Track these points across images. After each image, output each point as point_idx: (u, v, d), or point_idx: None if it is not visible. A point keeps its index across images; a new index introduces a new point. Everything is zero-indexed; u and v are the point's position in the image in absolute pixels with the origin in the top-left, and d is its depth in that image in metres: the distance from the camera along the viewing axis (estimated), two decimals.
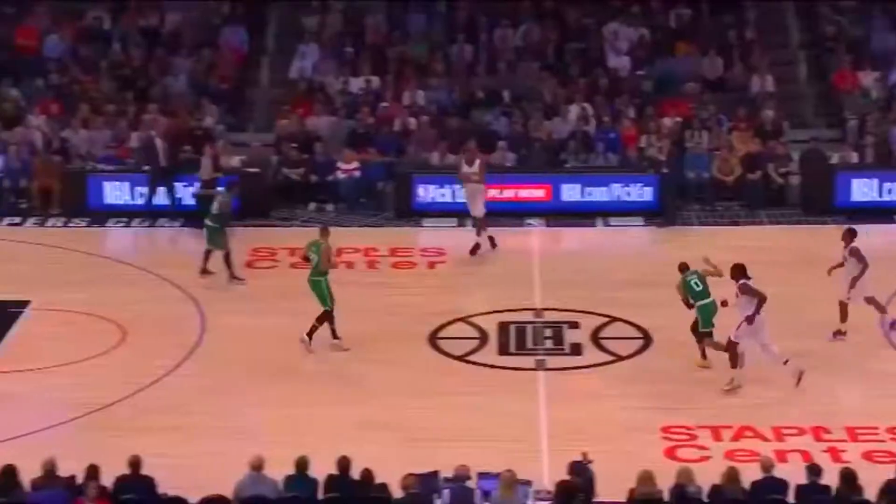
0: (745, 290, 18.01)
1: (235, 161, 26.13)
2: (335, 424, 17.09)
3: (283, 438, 16.28)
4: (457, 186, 24.46)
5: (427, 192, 25.52)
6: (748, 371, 18.24)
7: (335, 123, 27.25)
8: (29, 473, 13.94)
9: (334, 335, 19.39)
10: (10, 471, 13.91)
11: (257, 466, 14.28)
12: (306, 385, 18.45)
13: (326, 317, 19.39)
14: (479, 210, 23.20)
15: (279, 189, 26.17)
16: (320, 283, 19.45)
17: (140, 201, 25.11)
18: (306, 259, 19.75)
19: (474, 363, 19.32)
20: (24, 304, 20.76)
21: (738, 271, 18.13)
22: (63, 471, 14.04)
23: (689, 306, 18.64)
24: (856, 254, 19.47)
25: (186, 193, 25.13)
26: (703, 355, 18.79)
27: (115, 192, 25.08)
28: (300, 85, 28.41)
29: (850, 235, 19.68)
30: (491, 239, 23.13)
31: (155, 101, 27.15)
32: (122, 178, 25.14)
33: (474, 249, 23.08)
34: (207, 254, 21.86)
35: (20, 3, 29.29)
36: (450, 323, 20.38)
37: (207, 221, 21.96)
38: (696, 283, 18.55)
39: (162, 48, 28.68)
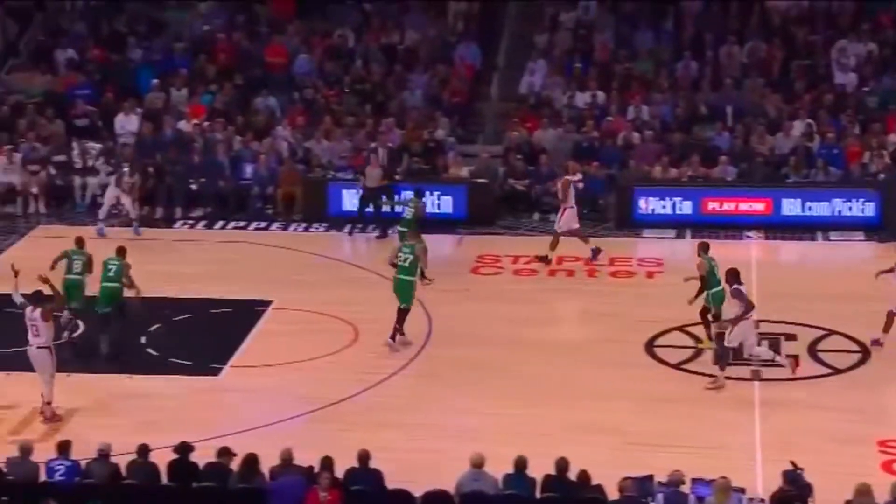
0: (735, 295, 18.04)
1: (464, 171, 26.34)
2: (551, 426, 17.00)
3: (502, 438, 16.28)
4: (677, 199, 24.27)
5: (647, 204, 25.27)
6: None
7: (560, 136, 27.21)
8: (268, 462, 14.23)
9: (396, 333, 19.36)
10: (252, 459, 14.25)
11: (478, 464, 14.31)
12: (525, 387, 18.41)
13: (402, 314, 19.40)
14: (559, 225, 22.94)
15: (505, 199, 26.27)
16: (411, 283, 19.43)
17: (371, 209, 25.51)
18: (394, 265, 19.71)
19: (690, 371, 19.00)
20: (266, 303, 21.30)
21: (732, 276, 18.27)
22: (298, 461, 14.32)
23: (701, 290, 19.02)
24: None
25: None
26: (709, 336, 19.15)
27: (353, 200, 25.49)
28: (528, 99, 28.49)
29: None
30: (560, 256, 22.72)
31: (392, 115, 27.59)
32: (358, 186, 25.51)
33: (542, 258, 22.78)
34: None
35: (273, 24, 30.10)
36: (667, 331, 20.09)
37: (399, 227, 22.06)
38: (716, 269, 18.94)
39: (400, 64, 29.12)
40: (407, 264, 19.58)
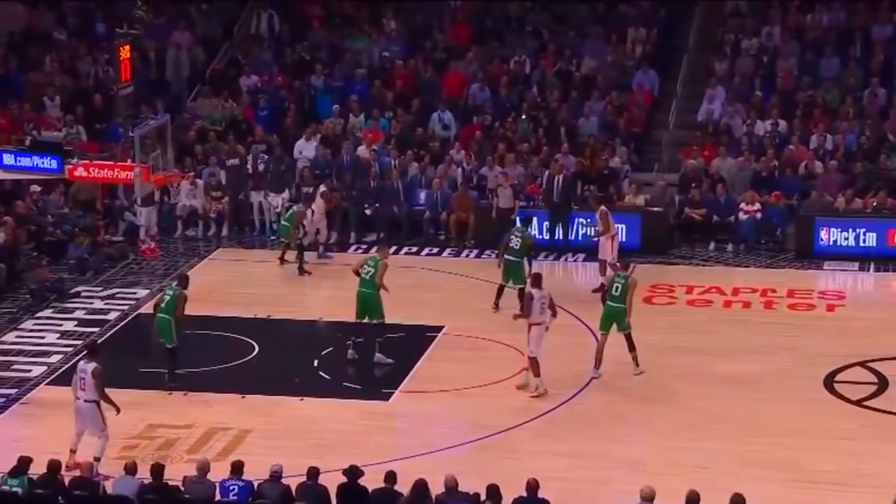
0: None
1: (640, 200, 26.17)
2: (726, 460, 16.74)
3: (674, 471, 16.10)
4: (861, 230, 23.73)
5: (829, 236, 24.73)
6: None
7: (739, 165, 26.84)
8: (436, 489, 14.29)
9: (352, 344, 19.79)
10: (423, 486, 14.30)
11: (648, 497, 14.09)
12: (699, 420, 18.16)
13: (382, 328, 19.84)
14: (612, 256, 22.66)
15: (681, 227, 26.02)
16: (372, 295, 19.83)
17: (545, 236, 25.57)
18: (358, 273, 19.88)
19: (873, 409, 18.50)
20: (438, 328, 21.50)
21: (536, 281, 18.93)
22: (464, 488, 14.34)
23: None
24: None
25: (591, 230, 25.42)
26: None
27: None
28: (706, 127, 28.19)
29: None
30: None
31: (566, 142, 27.59)
32: (534, 213, 25.62)
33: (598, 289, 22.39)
34: (500, 289, 21.95)
35: (450, 51, 30.40)
36: (848, 367, 19.61)
37: (508, 256, 21.96)
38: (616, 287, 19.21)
39: (576, 91, 29.11)
40: (368, 277, 19.85)
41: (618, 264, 21.52)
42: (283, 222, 24.49)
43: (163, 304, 18.85)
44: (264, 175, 26.94)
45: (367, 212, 26.58)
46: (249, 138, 28.33)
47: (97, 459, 16.22)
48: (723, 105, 28.43)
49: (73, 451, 16.60)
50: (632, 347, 19.47)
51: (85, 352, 17.17)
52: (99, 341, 18.57)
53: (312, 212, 24.74)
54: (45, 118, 28.56)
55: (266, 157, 27.19)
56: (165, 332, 18.78)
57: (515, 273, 21.65)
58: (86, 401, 16.71)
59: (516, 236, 21.96)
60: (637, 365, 19.52)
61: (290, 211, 24.45)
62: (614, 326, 19.43)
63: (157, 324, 18.90)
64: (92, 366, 16.75)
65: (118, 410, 16.91)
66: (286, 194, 26.63)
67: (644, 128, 28.67)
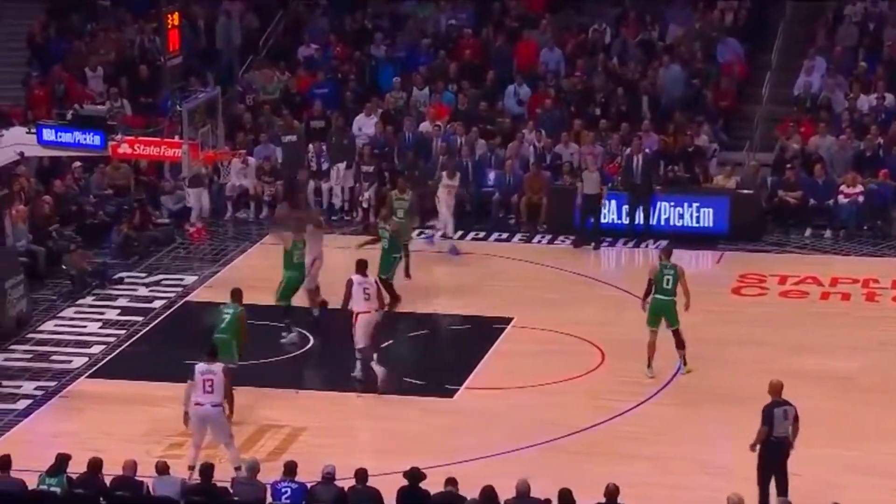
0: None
1: (731, 182, 26.02)
2: (823, 467, 16.62)
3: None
4: None
5: None
6: None
7: (840, 143, 26.61)
8: (504, 493, 14.32)
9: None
10: (490, 492, 14.29)
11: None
12: None
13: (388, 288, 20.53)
14: None
15: (774, 212, 25.86)
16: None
17: (625, 221, 25.54)
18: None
19: None
20: (507, 320, 21.52)
21: (361, 267, 19.19)
22: (535, 493, 14.38)
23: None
24: None
25: (674, 213, 25.33)
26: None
27: (603, 211, 25.47)
28: (804, 102, 27.97)
29: None
30: None
31: (648, 117, 27.50)
32: (609, 196, 25.52)
33: None
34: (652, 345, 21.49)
35: (523, 19, 30.37)
36: None
37: (659, 296, 20.95)
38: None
39: (657, 61, 28.99)
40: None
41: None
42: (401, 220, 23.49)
43: (222, 325, 18.71)
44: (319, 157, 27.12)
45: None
46: (305, 113, 28.50)
47: (238, 469, 15.92)
48: (822, 77, 28.19)
49: (191, 468, 16.15)
50: (680, 345, 19.41)
51: (205, 353, 16.93)
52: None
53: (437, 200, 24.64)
54: (87, 90, 28.95)
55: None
56: (225, 352, 18.57)
57: (670, 313, 19.48)
58: (213, 405, 16.48)
59: (668, 273, 19.45)
60: (685, 363, 19.45)
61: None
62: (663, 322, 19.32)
63: (216, 344, 18.62)
64: (219, 365, 16.63)
65: (231, 416, 17.02)
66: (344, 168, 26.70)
67: (734, 102, 28.49)
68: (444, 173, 24.84)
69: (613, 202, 25.61)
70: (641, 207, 25.32)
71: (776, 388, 15.76)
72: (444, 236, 24.69)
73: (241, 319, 18.67)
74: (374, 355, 19.02)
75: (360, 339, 19.00)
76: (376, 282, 19.58)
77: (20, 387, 19.35)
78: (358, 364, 19.14)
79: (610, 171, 26.24)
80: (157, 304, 22.57)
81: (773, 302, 22.34)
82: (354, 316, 18.98)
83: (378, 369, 19.01)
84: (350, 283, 19.13)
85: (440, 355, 20.58)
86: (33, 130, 20.84)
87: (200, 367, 16.63)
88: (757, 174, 26.26)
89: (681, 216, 25.39)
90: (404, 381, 19.43)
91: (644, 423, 18.19)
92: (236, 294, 19.04)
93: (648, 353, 19.42)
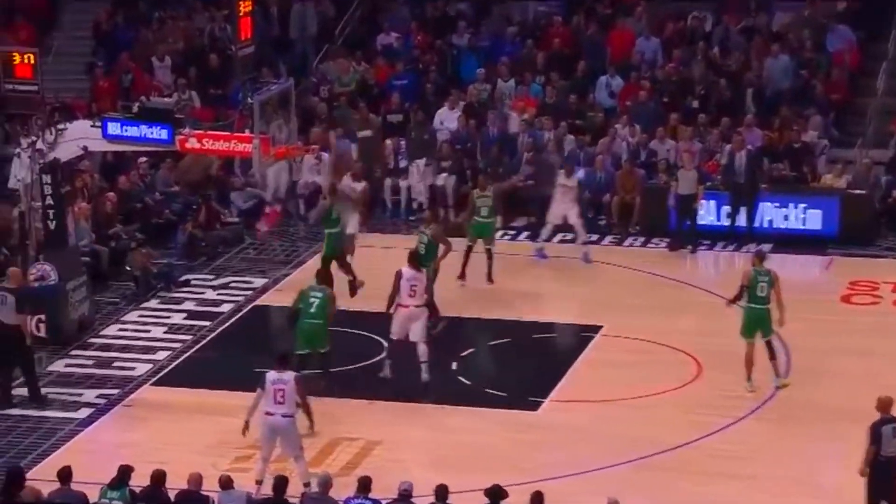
0: None
1: (841, 181, 25.85)
2: None
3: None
4: None
5: None
6: None
7: None
8: None
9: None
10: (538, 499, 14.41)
11: None
12: None
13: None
14: None
15: (888, 214, 25.66)
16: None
17: (725, 223, 25.48)
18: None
19: None
20: (596, 328, 21.58)
21: (413, 260, 19.60)
22: None
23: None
24: None
25: (779, 215, 25.23)
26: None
27: (700, 212, 25.44)
28: None
29: None
30: None
31: (750, 111, 27.39)
32: (707, 196, 25.49)
33: None
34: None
35: (617, 6, 30.33)
36: None
37: (753, 305, 20.22)
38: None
39: (762, 50, 28.82)
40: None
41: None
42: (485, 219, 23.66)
43: (312, 310, 19.17)
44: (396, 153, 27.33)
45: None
46: (383, 106, 28.68)
47: (307, 486, 16.18)
48: None
49: (259, 483, 16.43)
50: (773, 355, 19.36)
51: (276, 360, 17.08)
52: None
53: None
54: (154, 81, 29.33)
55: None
56: (319, 338, 19.21)
57: (764, 323, 19.44)
58: (284, 416, 16.64)
59: (762, 279, 19.45)
60: (778, 376, 19.41)
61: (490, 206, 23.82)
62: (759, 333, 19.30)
63: (306, 332, 19.23)
64: (290, 374, 16.78)
65: (313, 429, 17.21)
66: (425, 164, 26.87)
67: (846, 95, 28.30)
68: (561, 172, 24.78)
69: (712, 202, 25.55)
70: (744, 208, 25.23)
71: (886, 405, 15.69)
72: (581, 242, 24.63)
73: (331, 301, 19.26)
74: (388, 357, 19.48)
75: (396, 331, 19.45)
76: (426, 277, 19.87)
77: (81, 395, 19.69)
78: (387, 365, 19.64)
79: (708, 170, 26.17)
80: (225, 307, 22.85)
81: (886, 311, 22.18)
82: (395, 307, 19.39)
83: (386, 370, 19.54)
84: (399, 276, 19.47)
85: (524, 365, 20.62)
86: (98, 124, 21.19)
87: (271, 375, 16.77)
88: (870, 173, 26.06)
89: (786, 218, 25.29)
90: (485, 392, 19.53)
91: (743, 441, 18.15)
92: (322, 276, 19.46)
93: (747, 365, 19.37)
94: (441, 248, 21.56)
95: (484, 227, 23.31)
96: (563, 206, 24.53)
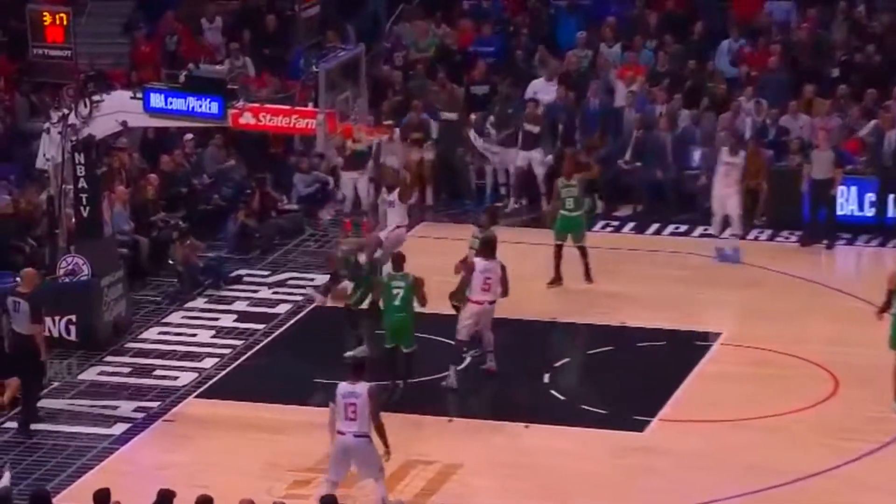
0: None
1: None
2: None
3: None
4: None
5: None
6: None
7: None
8: None
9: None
10: None
11: None
12: None
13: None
14: None
15: None
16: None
17: (870, 213, 25.34)
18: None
19: None
20: (713, 336, 21.57)
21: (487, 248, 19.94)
22: None
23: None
24: None
25: None
26: None
27: (839, 200, 25.34)
28: None
29: None
30: None
31: None
32: (848, 181, 25.38)
33: None
34: None
35: None
36: None
37: None
38: None
39: None
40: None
41: None
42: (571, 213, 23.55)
43: (396, 302, 19.43)
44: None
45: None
46: (465, 77, 28.67)
47: None
48: None
49: None
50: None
51: (351, 371, 16.86)
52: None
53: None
54: (203, 45, 29.52)
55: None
56: (404, 334, 19.45)
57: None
58: (356, 435, 16.48)
59: None
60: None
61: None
62: None
63: (392, 327, 19.47)
64: (363, 385, 16.48)
65: (388, 452, 16.75)
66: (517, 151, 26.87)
67: None
68: (724, 149, 24.71)
69: (853, 189, 25.41)
70: (893, 196, 25.01)
71: None
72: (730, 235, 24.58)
73: (418, 288, 19.55)
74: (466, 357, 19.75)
75: (463, 330, 19.71)
76: (503, 267, 19.97)
77: (117, 407, 19.83)
78: (452, 372, 19.83)
79: (848, 150, 26.00)
80: (282, 308, 22.96)
81: None
82: (464, 302, 19.77)
83: (452, 378, 19.79)
84: (472, 268, 19.74)
85: (628, 378, 20.56)
86: (139, 95, 21.31)
87: (342, 387, 16.57)
88: None
89: None
90: (582, 409, 19.53)
91: (889, 470, 18.01)
92: (399, 260, 19.80)
93: (894, 382, 19.24)
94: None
95: (570, 221, 23.25)
96: (726, 190, 24.41)
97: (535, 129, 26.75)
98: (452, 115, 27.57)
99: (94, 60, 26.13)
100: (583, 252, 23.22)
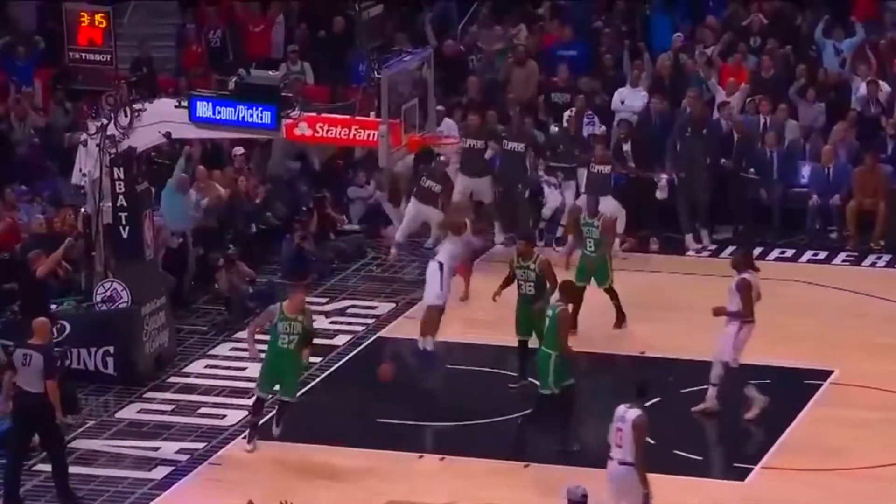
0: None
1: None
2: None
3: None
4: None
5: None
6: None
7: None
8: None
9: None
10: None
11: None
12: None
13: None
14: None
15: None
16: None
17: None
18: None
19: None
20: (824, 374, 21.50)
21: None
22: None
23: None
24: None
25: None
26: None
27: None
28: None
29: None
30: None
31: None
32: None
33: None
34: None
35: None
36: None
37: None
38: None
39: None
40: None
41: None
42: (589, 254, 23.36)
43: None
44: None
45: None
46: (546, 83, 28.57)
47: None
48: None
49: None
50: None
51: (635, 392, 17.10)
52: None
53: None
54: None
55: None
56: (545, 373, 19.35)
57: None
58: (621, 463, 16.74)
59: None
60: None
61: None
62: None
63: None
64: (636, 413, 16.69)
65: (647, 494, 16.63)
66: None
67: None
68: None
69: None
70: None
71: None
72: None
73: (564, 321, 19.49)
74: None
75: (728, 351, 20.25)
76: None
77: (158, 449, 19.86)
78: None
79: None
80: (341, 339, 22.98)
81: None
82: (738, 325, 20.03)
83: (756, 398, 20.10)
84: (748, 286, 20.10)
85: (727, 421, 20.45)
86: (184, 104, 21.29)
87: (619, 411, 16.77)
88: None
89: None
90: (675, 454, 19.38)
91: None
92: (565, 287, 20.20)
93: None
94: (549, 285, 21.11)
95: (591, 264, 22.95)
96: None
97: (626, 145, 26.57)
98: (520, 146, 26.87)
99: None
100: (611, 295, 23.03)
